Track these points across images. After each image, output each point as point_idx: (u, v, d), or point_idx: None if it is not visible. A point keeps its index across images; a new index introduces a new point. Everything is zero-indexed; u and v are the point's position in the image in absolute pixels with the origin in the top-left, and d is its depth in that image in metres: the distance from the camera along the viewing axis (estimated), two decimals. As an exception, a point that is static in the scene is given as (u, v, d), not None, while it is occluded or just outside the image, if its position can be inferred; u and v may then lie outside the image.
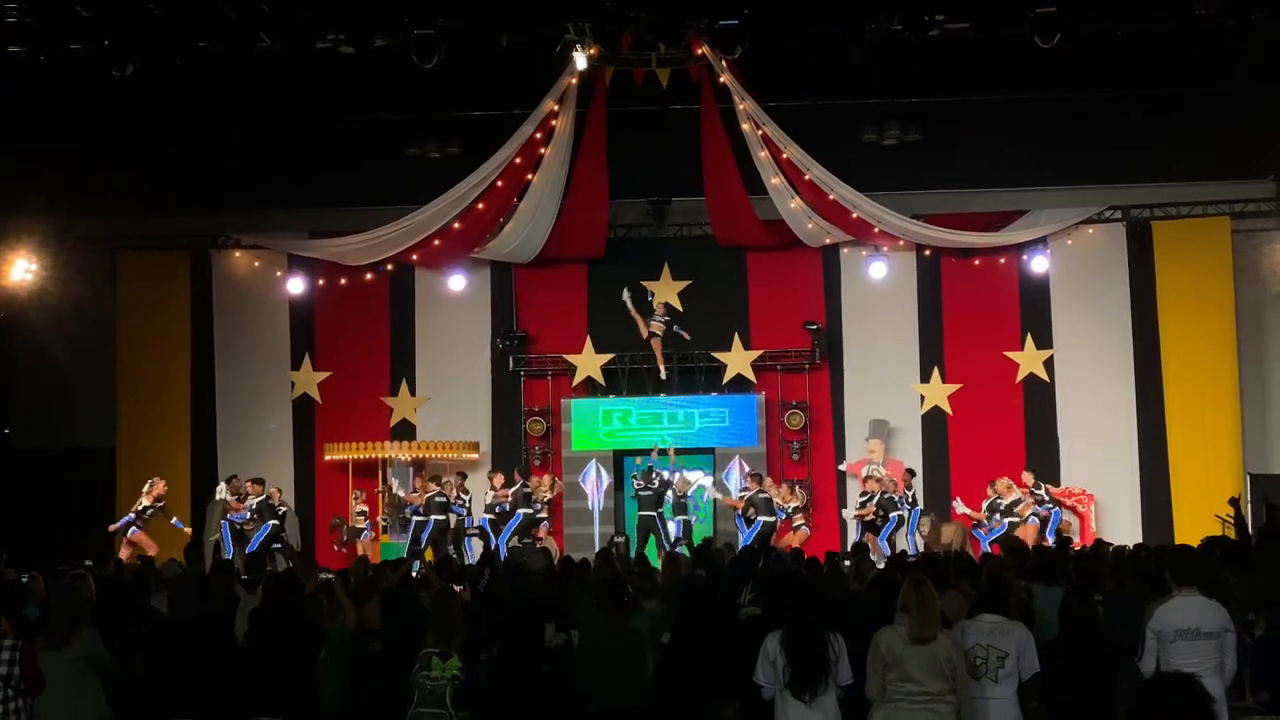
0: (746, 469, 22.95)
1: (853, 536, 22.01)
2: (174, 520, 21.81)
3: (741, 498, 22.27)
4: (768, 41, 20.68)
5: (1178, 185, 23.57)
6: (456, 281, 24.39)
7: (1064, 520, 22.18)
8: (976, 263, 24.18)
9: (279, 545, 21.77)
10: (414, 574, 14.49)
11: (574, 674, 9.56)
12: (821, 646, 8.28)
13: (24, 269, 22.14)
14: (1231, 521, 17.52)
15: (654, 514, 21.83)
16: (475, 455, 23.86)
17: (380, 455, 23.39)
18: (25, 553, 17.98)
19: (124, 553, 20.06)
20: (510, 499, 22.14)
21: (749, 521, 21.84)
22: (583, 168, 22.94)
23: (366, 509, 23.10)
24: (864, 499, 22.40)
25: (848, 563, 14.03)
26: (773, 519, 21.75)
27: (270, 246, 24.64)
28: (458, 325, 24.71)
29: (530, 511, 22.10)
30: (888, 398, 23.99)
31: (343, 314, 24.69)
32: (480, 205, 23.01)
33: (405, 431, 24.32)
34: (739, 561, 13.57)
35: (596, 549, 19.85)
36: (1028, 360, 23.93)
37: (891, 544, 21.44)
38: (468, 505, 22.40)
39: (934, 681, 7.95)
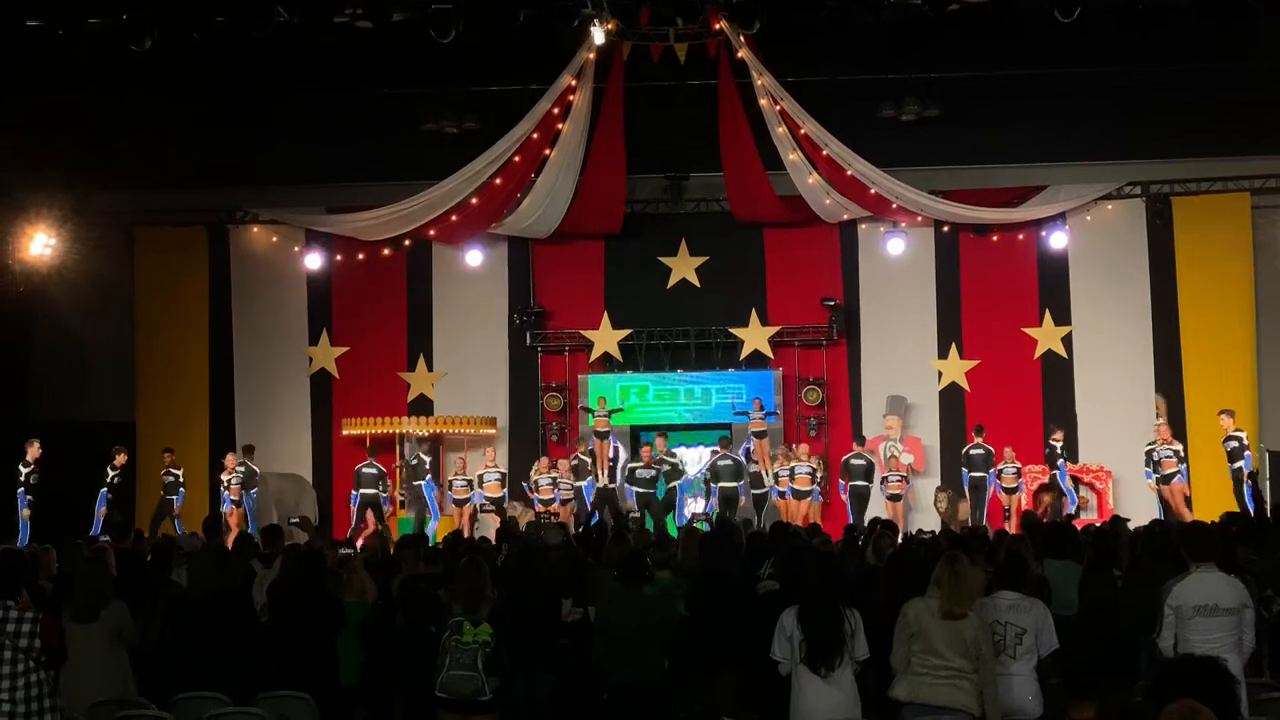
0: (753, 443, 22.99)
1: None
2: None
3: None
4: (786, 16, 20.62)
5: (1197, 161, 23.43)
6: (474, 257, 24.38)
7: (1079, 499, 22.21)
8: (995, 239, 24.11)
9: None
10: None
11: (591, 649, 9.59)
12: (838, 621, 8.26)
13: (43, 244, 22.11)
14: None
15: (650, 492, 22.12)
16: (493, 430, 23.87)
17: (398, 430, 23.41)
18: (43, 526, 18.06)
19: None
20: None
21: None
22: (600, 143, 22.88)
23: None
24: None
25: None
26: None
27: (288, 221, 24.67)
28: (475, 301, 24.72)
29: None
30: (905, 374, 23.97)
31: (360, 289, 24.71)
32: (497, 181, 22.97)
33: (423, 407, 24.35)
34: (757, 536, 13.58)
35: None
36: (1046, 337, 23.87)
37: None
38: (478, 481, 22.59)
39: (958, 658, 7.93)
